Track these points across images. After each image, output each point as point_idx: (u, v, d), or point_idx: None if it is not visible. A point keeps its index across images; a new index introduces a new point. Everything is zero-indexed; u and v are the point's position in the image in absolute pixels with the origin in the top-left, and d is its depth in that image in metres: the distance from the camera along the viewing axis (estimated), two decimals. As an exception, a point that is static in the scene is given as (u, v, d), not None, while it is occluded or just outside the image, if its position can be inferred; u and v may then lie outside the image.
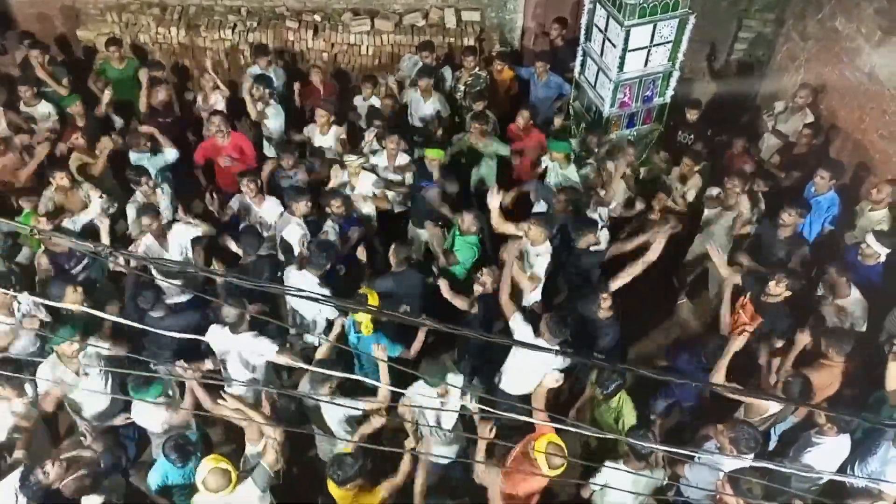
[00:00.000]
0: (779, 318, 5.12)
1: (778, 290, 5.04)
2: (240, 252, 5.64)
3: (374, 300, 4.89)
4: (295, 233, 5.68)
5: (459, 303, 5.29)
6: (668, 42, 6.19)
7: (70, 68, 7.45)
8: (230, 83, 7.61)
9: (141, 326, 3.55)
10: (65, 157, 6.29)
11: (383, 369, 4.55)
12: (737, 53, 8.26)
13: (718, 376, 4.59)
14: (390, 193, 6.35)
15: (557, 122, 7.29)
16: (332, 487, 4.07)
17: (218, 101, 7.03)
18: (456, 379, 4.67)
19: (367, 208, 6.28)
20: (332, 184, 6.23)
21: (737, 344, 4.65)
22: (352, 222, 5.95)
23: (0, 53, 7.86)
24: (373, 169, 6.32)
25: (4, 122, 6.55)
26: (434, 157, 6.08)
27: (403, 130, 6.66)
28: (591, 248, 5.55)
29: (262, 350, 4.78)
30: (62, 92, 6.95)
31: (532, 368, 4.84)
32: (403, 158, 6.43)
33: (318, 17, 8.10)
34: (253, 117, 6.80)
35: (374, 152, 6.44)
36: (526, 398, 4.85)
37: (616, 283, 5.19)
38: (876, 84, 6.38)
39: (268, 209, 6.00)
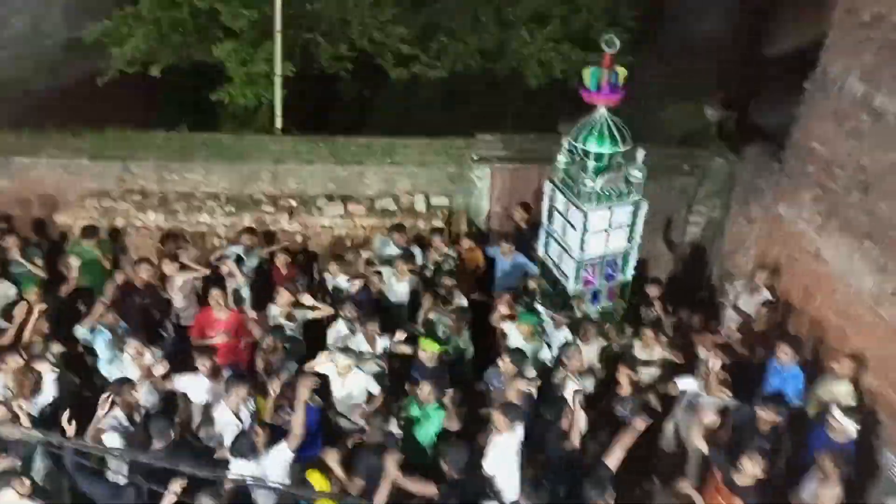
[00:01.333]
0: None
1: (754, 470, 4.94)
2: None
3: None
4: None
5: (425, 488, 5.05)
6: (625, 225, 6.56)
7: (43, 251, 7.59)
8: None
9: None
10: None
11: None
12: (690, 235, 8.75)
13: None
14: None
15: (532, 284, 7.39)
16: None
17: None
18: None
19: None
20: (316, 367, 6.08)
21: None
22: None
23: None
24: (346, 349, 6.29)
25: None
26: (430, 349, 6.12)
27: (375, 312, 6.73)
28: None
29: None
30: (38, 273, 7.07)
31: None
32: (383, 343, 6.47)
33: (293, 202, 8.49)
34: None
35: (352, 331, 6.48)
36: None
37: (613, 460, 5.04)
38: (823, 264, 6.72)
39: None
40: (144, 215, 8.25)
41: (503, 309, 6.78)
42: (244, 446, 5.04)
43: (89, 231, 7.64)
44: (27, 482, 4.71)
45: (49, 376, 5.83)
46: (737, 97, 9.58)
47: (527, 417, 5.45)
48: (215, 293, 6.64)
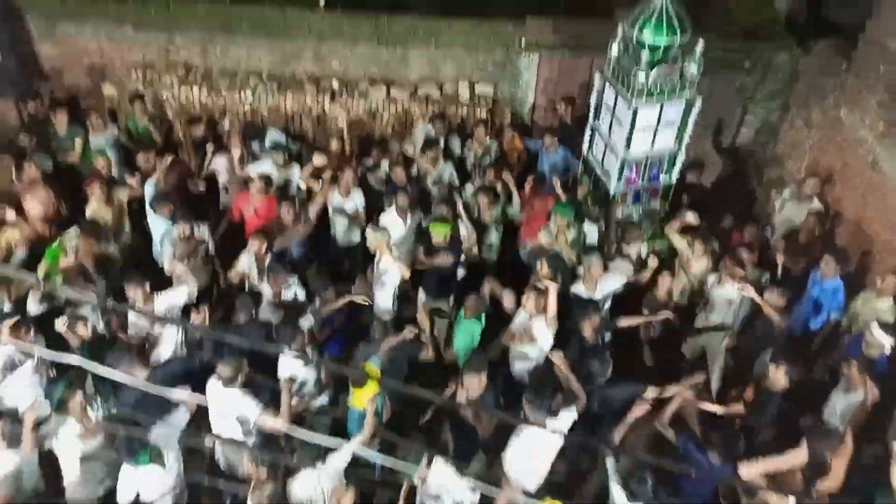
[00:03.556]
0: (769, 405, 5.05)
1: (777, 375, 4.99)
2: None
3: (373, 374, 4.88)
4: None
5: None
6: (674, 124, 6.32)
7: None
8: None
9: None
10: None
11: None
12: (742, 138, 8.40)
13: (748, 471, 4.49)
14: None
15: (581, 192, 7.25)
16: None
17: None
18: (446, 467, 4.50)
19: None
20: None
21: None
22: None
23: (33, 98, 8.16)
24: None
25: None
26: (440, 232, 6.15)
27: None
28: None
29: (246, 409, 4.74)
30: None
31: (535, 454, 4.72)
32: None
33: (335, 84, 8.35)
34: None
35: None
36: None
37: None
38: (879, 175, 6.46)
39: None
40: (188, 90, 8.23)
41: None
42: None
43: (136, 97, 7.76)
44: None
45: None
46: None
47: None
48: (258, 184, 6.71)
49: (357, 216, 6.94)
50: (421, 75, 8.39)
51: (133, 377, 4.37)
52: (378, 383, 4.81)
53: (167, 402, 4.68)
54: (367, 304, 6.00)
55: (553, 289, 5.56)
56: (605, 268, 6.18)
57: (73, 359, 3.83)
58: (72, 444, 4.68)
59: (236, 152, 7.12)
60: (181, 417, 4.81)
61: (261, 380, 4.91)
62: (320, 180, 6.91)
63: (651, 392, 4.98)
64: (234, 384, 4.76)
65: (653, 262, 6.17)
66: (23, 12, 8.25)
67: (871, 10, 6.48)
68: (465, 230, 6.69)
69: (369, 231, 6.16)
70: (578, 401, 4.92)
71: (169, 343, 5.49)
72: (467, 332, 5.80)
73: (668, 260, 6.60)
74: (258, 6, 8.34)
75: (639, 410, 4.91)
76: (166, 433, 4.57)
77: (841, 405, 5.19)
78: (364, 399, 4.83)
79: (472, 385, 4.90)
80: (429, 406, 5.23)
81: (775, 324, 5.64)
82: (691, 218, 6.54)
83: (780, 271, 6.40)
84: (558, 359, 5.10)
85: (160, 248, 6.54)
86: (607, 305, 6.21)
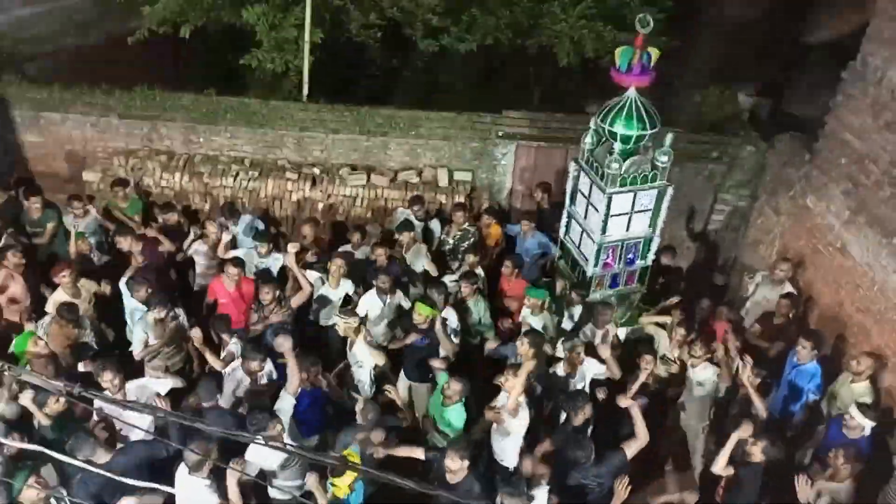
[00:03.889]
0: (749, 481, 5.01)
1: (754, 450, 4.96)
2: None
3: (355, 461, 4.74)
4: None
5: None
6: (648, 210, 6.49)
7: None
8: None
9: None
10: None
11: None
12: (714, 224, 8.63)
13: None
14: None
15: (559, 286, 7.17)
16: None
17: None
18: None
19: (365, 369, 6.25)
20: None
21: None
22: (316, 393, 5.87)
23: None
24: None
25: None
26: (424, 313, 6.13)
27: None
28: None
29: (208, 500, 4.55)
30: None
31: None
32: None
33: (316, 171, 8.50)
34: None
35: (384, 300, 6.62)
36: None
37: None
38: (848, 259, 6.63)
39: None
40: (170, 176, 8.32)
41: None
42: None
43: (119, 182, 7.82)
44: None
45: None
46: (772, 84, 9.37)
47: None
48: (233, 271, 6.58)
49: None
50: (401, 163, 8.59)
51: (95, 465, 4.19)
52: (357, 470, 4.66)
53: (131, 488, 4.48)
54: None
55: (528, 366, 5.52)
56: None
57: (33, 446, 3.68)
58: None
59: (221, 236, 7.13)
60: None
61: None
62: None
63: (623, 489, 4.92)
64: (201, 471, 4.58)
65: (646, 364, 6.14)
66: (10, 102, 8.39)
67: (831, 107, 6.84)
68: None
69: (338, 319, 6.07)
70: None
71: (141, 427, 5.29)
72: (456, 417, 5.69)
73: (646, 345, 6.61)
74: (242, 97, 8.60)
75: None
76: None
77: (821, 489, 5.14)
78: (345, 487, 4.68)
79: (454, 467, 4.78)
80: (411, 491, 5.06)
81: (758, 410, 5.63)
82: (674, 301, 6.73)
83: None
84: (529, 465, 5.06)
85: (132, 329, 6.41)
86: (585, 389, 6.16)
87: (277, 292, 6.51)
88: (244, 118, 8.40)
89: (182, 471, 4.72)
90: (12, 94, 8.38)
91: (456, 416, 5.67)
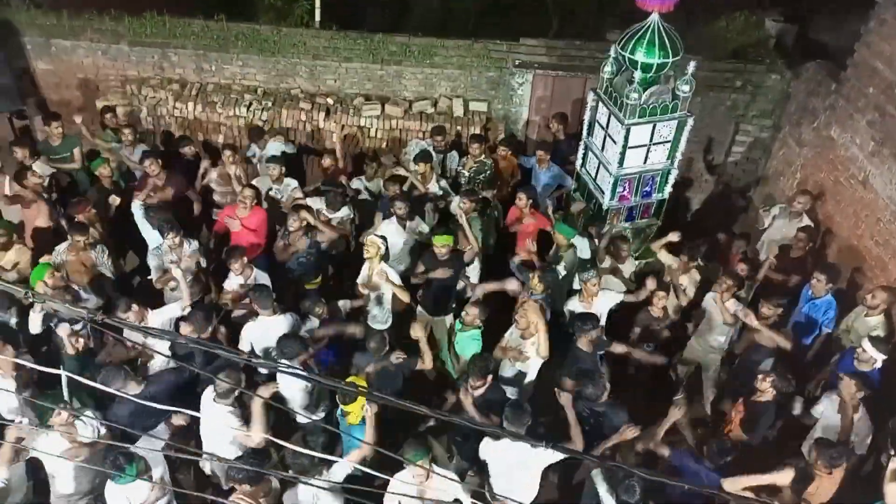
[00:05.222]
0: (761, 417, 5.07)
1: (764, 386, 5.02)
2: None
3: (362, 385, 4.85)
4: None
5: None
6: (666, 141, 6.38)
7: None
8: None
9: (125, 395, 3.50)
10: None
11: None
12: (734, 156, 8.48)
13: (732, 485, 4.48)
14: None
15: (576, 207, 7.24)
16: None
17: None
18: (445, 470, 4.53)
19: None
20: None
21: None
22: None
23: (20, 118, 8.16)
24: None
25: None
26: (443, 243, 6.11)
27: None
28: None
29: (230, 424, 4.70)
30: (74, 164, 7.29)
31: (525, 465, 4.67)
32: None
33: (330, 101, 8.39)
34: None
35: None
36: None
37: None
38: (870, 192, 6.53)
39: None
40: (183, 105, 8.25)
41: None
42: None
43: (107, 109, 7.82)
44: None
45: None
46: (799, 10, 9.00)
47: None
48: (247, 193, 6.60)
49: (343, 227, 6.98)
50: (415, 93, 8.44)
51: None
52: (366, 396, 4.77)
53: (161, 414, 4.64)
54: (360, 337, 5.89)
55: (533, 308, 5.55)
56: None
57: (65, 374, 3.79)
58: (57, 458, 4.61)
59: (232, 168, 7.08)
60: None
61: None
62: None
63: (630, 432, 4.83)
64: (227, 399, 4.72)
65: (651, 284, 6.13)
66: (20, 29, 8.27)
67: (861, 34, 6.58)
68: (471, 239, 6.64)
69: (373, 238, 6.04)
70: (573, 444, 4.82)
71: (162, 358, 5.44)
72: (469, 343, 5.78)
73: (659, 276, 6.61)
74: (253, 24, 8.41)
75: (622, 437, 4.84)
76: (153, 447, 4.52)
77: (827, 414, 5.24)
78: (358, 411, 4.80)
79: (479, 387, 4.96)
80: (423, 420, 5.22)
81: (779, 345, 5.67)
82: (674, 237, 6.61)
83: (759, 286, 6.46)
84: (566, 400, 5.00)
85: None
86: (602, 322, 6.19)
87: (305, 222, 6.49)
88: (256, 45, 8.23)
89: (207, 396, 4.85)
90: (22, 21, 8.25)
91: (468, 341, 5.74)
